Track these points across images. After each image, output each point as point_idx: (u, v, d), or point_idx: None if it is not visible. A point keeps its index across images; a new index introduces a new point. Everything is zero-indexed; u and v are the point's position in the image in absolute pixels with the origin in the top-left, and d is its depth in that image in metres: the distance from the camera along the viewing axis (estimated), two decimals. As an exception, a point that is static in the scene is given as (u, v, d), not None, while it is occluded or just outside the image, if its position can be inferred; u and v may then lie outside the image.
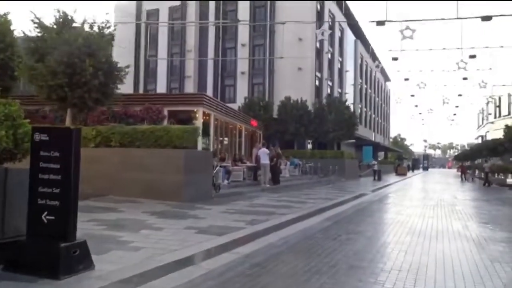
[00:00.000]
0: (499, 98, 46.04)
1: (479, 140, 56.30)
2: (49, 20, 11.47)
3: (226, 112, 20.84)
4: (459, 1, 16.23)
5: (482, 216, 10.56)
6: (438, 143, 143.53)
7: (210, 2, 34.80)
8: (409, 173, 49.64)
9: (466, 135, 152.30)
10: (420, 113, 50.30)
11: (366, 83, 51.03)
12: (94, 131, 10.98)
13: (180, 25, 35.45)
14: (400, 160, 60.02)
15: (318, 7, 33.89)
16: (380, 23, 16.77)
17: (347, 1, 39.69)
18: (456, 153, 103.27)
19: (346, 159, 28.89)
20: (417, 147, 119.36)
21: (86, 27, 11.70)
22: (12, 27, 11.74)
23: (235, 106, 27.65)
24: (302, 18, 26.34)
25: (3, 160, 4.26)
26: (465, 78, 28.82)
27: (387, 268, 4.75)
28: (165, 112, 16.90)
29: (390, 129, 74.59)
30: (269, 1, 33.23)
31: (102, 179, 10.12)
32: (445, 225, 8.43)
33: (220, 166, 13.69)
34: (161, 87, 36.44)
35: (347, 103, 33.47)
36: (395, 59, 23.39)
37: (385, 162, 50.14)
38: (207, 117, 18.48)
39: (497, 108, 48.83)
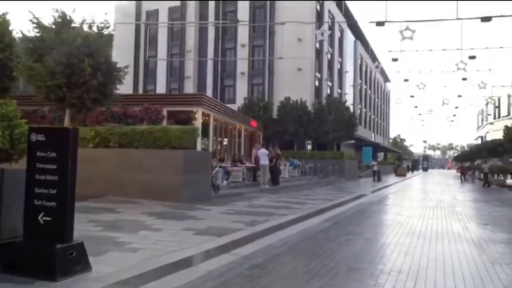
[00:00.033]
0: (499, 99, 46.06)
1: (479, 141, 56.33)
2: (48, 20, 11.44)
3: (226, 113, 20.82)
4: (458, 1, 16.22)
5: (482, 217, 10.53)
6: (437, 144, 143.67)
7: (210, 2, 34.79)
8: (409, 174, 49.62)
9: (466, 136, 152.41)
10: (419, 114, 50.37)
11: (365, 84, 51.03)
12: (93, 131, 10.94)
13: (180, 25, 35.43)
14: (400, 160, 60.02)
15: (318, 7, 33.89)
16: (380, 23, 16.76)
17: (346, 1, 39.71)
18: (455, 154, 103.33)
19: (346, 160, 28.86)
20: (416, 148, 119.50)
21: (85, 27, 11.65)
22: (10, 27, 11.69)
23: (234, 107, 27.61)
24: (302, 19, 26.31)
25: (-1, 161, 4.23)
26: (464, 79, 28.84)
27: (386, 270, 4.71)
28: (164, 113, 16.87)
29: (389, 130, 74.65)
30: (268, 2, 33.21)
31: (101, 180, 10.10)
32: (445, 226, 8.40)
33: (219, 167, 13.66)
34: (160, 88, 36.41)
35: (346, 104, 33.45)
36: (394, 59, 23.41)
37: (385, 163, 50.13)
38: (207, 118, 18.45)
39: (497, 109, 48.85)
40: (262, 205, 10.72)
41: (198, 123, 16.90)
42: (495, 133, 40.24)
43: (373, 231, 7.92)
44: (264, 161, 15.90)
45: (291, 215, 8.97)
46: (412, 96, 37.18)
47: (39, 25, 11.11)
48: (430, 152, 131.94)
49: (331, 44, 36.68)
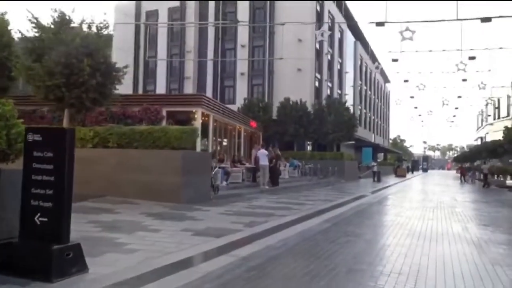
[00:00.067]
0: (498, 100, 46.06)
1: (479, 142, 56.33)
2: (47, 20, 11.40)
3: (225, 113, 20.78)
4: (458, 1, 16.19)
5: (482, 218, 10.49)
6: (437, 144, 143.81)
7: (210, 3, 34.77)
8: (409, 175, 49.59)
9: (466, 137, 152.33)
10: (419, 115, 50.41)
11: (365, 85, 51.01)
12: (92, 131, 10.91)
13: (180, 26, 35.41)
14: (400, 161, 60.00)
15: (318, 8, 33.87)
16: (380, 24, 16.74)
17: (346, 1, 39.67)
18: (455, 155, 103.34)
19: (346, 161, 28.82)
20: (416, 149, 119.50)
21: (84, 27, 11.62)
22: (9, 27, 11.65)
23: (234, 107, 27.57)
24: (302, 19, 26.29)
25: (-4, 161, 4.19)
26: (464, 80, 28.85)
27: (386, 271, 4.67)
28: (164, 113, 16.83)
29: (389, 131, 74.61)
30: (268, 2, 33.19)
31: (100, 180, 10.06)
32: (445, 227, 8.36)
33: (219, 167, 13.61)
34: (160, 88, 36.37)
35: (346, 105, 33.40)
36: (394, 60, 23.40)
37: (385, 164, 50.09)
38: (206, 118, 18.41)
39: (496, 110, 48.85)
40: (262, 206, 10.68)
41: (197, 123, 16.85)
42: (495, 134, 40.23)
43: (373, 232, 7.88)
44: (264, 161, 15.86)
45: (291, 216, 8.94)
46: (412, 97, 37.23)
47: (38, 25, 11.08)
48: (430, 153, 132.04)
49: (331, 45, 36.66)
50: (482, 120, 58.84)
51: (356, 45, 47.08)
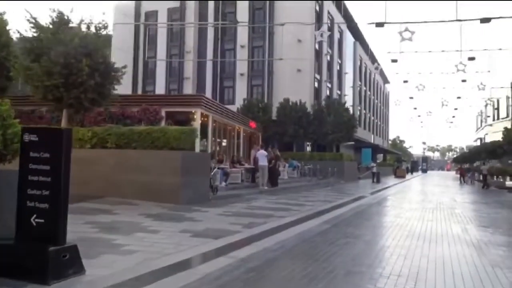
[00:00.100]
0: (498, 101, 46.06)
1: (478, 143, 56.33)
2: (46, 20, 11.37)
3: (225, 114, 20.75)
4: (458, 1, 16.18)
5: (481, 219, 10.46)
6: (437, 145, 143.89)
7: (209, 3, 34.74)
8: (408, 176, 49.57)
9: (465, 138, 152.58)
10: (419, 116, 50.38)
11: (365, 85, 51.00)
12: (90, 132, 10.88)
13: (179, 26, 35.38)
14: (399, 162, 59.93)
15: (317, 8, 33.86)
16: (379, 24, 16.74)
17: (345, 1, 39.67)
18: (455, 156, 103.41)
19: (345, 161, 28.79)
20: (416, 149, 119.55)
21: (83, 27, 11.59)
22: (8, 27, 11.61)
23: (234, 108, 27.54)
24: (301, 20, 26.26)
25: (-8, 161, 4.16)
26: (464, 80, 28.85)
27: (386, 273, 4.64)
28: (163, 113, 16.79)
29: (389, 131, 74.61)
30: (268, 2, 33.17)
31: (98, 181, 10.02)
32: (445, 229, 8.33)
33: (218, 168, 13.59)
34: (159, 89, 36.33)
35: (346, 105, 33.38)
36: (394, 61, 23.37)
37: (384, 164, 50.07)
38: (205, 119, 18.37)
39: (496, 111, 48.85)
40: (261, 206, 10.64)
41: (196, 124, 16.82)
42: (494, 134, 40.22)
43: (372, 233, 7.85)
44: (263, 162, 15.83)
45: (290, 217, 8.91)
46: (411, 98, 37.22)
47: (36, 25, 11.04)
48: (429, 154, 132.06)
49: (331, 46, 36.64)
50: (481, 121, 58.85)
51: (356, 45, 47.08)
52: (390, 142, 78.96)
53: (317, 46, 32.58)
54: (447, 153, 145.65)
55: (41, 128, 4.33)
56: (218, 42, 34.95)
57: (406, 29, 17.93)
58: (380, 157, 55.36)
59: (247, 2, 33.43)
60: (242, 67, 33.89)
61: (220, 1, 34.30)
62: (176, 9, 36.16)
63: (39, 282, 3.59)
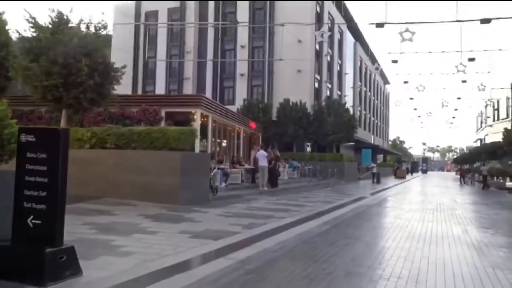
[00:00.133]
0: (498, 101, 46.00)
1: (478, 143, 56.28)
2: (44, 20, 11.33)
3: (225, 114, 20.71)
4: (458, 1, 16.15)
5: (482, 220, 10.42)
6: (437, 146, 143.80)
7: (209, 3, 34.71)
8: (408, 176, 49.52)
9: (465, 138, 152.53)
10: (419, 116, 50.28)
11: (365, 86, 50.97)
12: (89, 132, 10.84)
13: (179, 26, 35.35)
14: (399, 163, 59.88)
15: (318, 9, 33.84)
16: (380, 25, 16.70)
17: (345, 1, 39.63)
18: (455, 156, 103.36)
19: (345, 162, 28.75)
20: (416, 150, 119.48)
21: (83, 27, 11.55)
22: (7, 27, 11.56)
23: (234, 108, 27.51)
24: (302, 20, 26.21)
25: (-12, 162, 4.12)
26: (464, 81, 28.78)
27: (386, 275, 4.61)
28: (163, 114, 16.75)
29: (389, 132, 74.56)
30: (268, 2, 33.14)
31: (97, 181, 9.99)
32: (445, 230, 8.30)
33: (218, 169, 13.55)
34: (159, 89, 36.30)
35: (346, 106, 33.35)
36: (394, 61, 23.33)
37: (384, 165, 50.00)
38: (205, 119, 18.34)
39: (496, 111, 48.81)
40: (261, 207, 10.61)
41: (196, 124, 16.78)
42: (494, 135, 40.18)
43: (372, 234, 7.82)
44: (263, 162, 15.79)
45: (290, 218, 8.87)
46: (411, 98, 37.16)
47: (36, 25, 11.00)
48: (429, 154, 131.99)
49: (331, 46, 36.61)
50: (481, 122, 58.81)
51: (356, 46, 47.05)
52: (390, 142, 78.92)
53: (317, 47, 32.56)
54: (447, 154, 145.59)
55: (38, 129, 4.30)
56: (218, 42, 34.93)
57: (407, 30, 17.90)
58: (380, 157, 55.30)
59: (248, 2, 33.41)
60: (242, 67, 33.87)
61: (220, 1, 34.27)
62: (176, 9, 36.14)
63: (35, 284, 3.56)
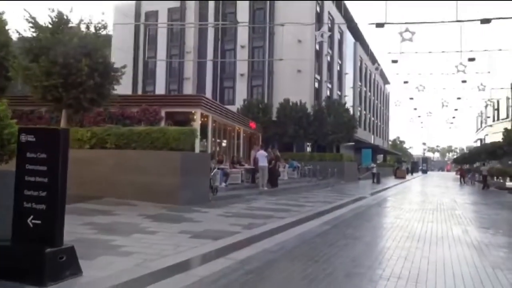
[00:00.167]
0: (498, 101, 46.01)
1: (478, 143, 56.28)
2: (44, 20, 11.32)
3: (225, 114, 20.71)
4: (458, 1, 16.15)
5: (482, 220, 10.42)
6: (437, 146, 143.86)
7: (210, 3, 34.72)
8: (408, 176, 49.52)
9: (465, 138, 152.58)
10: (419, 116, 50.30)
11: (365, 86, 50.97)
12: (89, 132, 10.84)
13: (179, 26, 35.35)
14: (399, 163, 59.90)
15: (318, 9, 33.84)
16: (380, 25, 16.69)
17: (345, 1, 39.64)
18: (455, 156, 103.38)
19: (345, 162, 28.76)
20: (416, 150, 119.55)
21: (83, 27, 11.55)
22: (7, 27, 11.57)
23: (234, 108, 27.51)
24: (302, 20, 26.20)
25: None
26: (464, 81, 28.79)
27: (386, 275, 4.61)
28: (163, 114, 16.75)
29: (389, 132, 74.57)
30: (268, 2, 33.14)
31: (97, 181, 9.99)
32: (445, 230, 8.29)
33: (218, 169, 13.55)
34: (159, 89, 36.30)
35: (346, 106, 33.36)
36: (394, 61, 23.34)
37: (384, 165, 50.01)
38: (205, 119, 18.34)
39: (496, 111, 48.82)
40: (261, 207, 10.61)
41: (196, 124, 16.78)
42: (494, 135, 40.19)
43: (372, 234, 7.81)
44: (263, 163, 15.79)
45: (290, 218, 8.87)
46: (411, 98, 37.17)
47: (35, 25, 11.00)
48: (429, 154, 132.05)
49: (331, 46, 36.62)
50: (481, 122, 58.82)
51: (356, 46, 47.05)
52: (390, 142, 78.93)
53: (317, 47, 32.56)
54: (447, 154, 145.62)
55: (38, 129, 4.29)
56: (218, 42, 34.93)
57: (407, 30, 17.91)
58: (380, 157, 55.32)
59: (247, 2, 33.41)
60: (242, 67, 33.87)
61: (220, 1, 34.28)
62: (176, 9, 36.14)
63: (35, 284, 3.56)
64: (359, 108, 46.46)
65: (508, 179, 30.01)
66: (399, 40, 18.06)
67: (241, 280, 4.19)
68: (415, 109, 46.51)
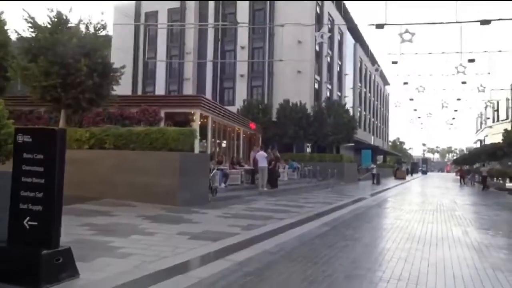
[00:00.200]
0: (497, 103, 46.02)
1: (478, 144, 56.29)
2: (43, 20, 11.29)
3: (224, 115, 20.67)
4: (458, 1, 16.13)
5: (482, 221, 10.39)
6: (437, 147, 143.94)
7: (209, 3, 34.71)
8: (408, 177, 49.49)
9: (465, 139, 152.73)
10: (419, 117, 50.28)
11: (365, 87, 50.97)
12: (88, 132, 10.80)
13: (179, 27, 35.34)
14: (399, 164, 59.87)
15: (318, 10, 33.84)
16: (379, 26, 16.67)
17: (345, 1, 39.63)
18: (454, 157, 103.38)
19: (345, 163, 28.72)
20: (416, 151, 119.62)
21: (82, 27, 11.52)
22: (6, 27, 11.54)
23: (234, 109, 27.48)
24: (302, 21, 26.19)
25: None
26: (464, 82, 28.76)
27: (385, 277, 4.57)
28: (162, 114, 16.70)
29: (389, 133, 74.56)
30: (268, 3, 33.13)
31: (96, 182, 9.95)
32: (445, 231, 8.26)
33: (217, 169, 13.51)
34: (159, 89, 36.28)
35: (346, 107, 33.34)
36: (394, 62, 23.33)
37: (384, 166, 49.99)
38: (205, 120, 18.29)
39: (496, 113, 48.81)
40: (260, 208, 10.57)
41: (196, 125, 16.74)
42: (494, 136, 40.19)
43: (372, 236, 7.78)
44: (263, 163, 15.75)
45: (289, 219, 8.83)
46: (411, 99, 37.16)
47: (34, 25, 10.96)
48: (429, 155, 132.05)
49: (331, 47, 36.61)
50: (481, 123, 58.82)
51: (356, 47, 47.06)
52: (390, 143, 78.91)
53: (317, 48, 32.55)
54: (447, 155, 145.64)
55: (35, 129, 4.25)
56: (218, 43, 34.92)
57: (406, 31, 17.88)
58: (380, 158, 55.31)
59: (247, 2, 33.41)
60: (242, 68, 33.86)
61: (220, 2, 34.28)
62: (176, 9, 36.14)
63: (31, 286, 3.52)
64: (359, 109, 46.45)
65: (508, 180, 29.98)
66: (399, 41, 18.04)
67: (240, 282, 4.15)
68: (415, 110, 46.48)
